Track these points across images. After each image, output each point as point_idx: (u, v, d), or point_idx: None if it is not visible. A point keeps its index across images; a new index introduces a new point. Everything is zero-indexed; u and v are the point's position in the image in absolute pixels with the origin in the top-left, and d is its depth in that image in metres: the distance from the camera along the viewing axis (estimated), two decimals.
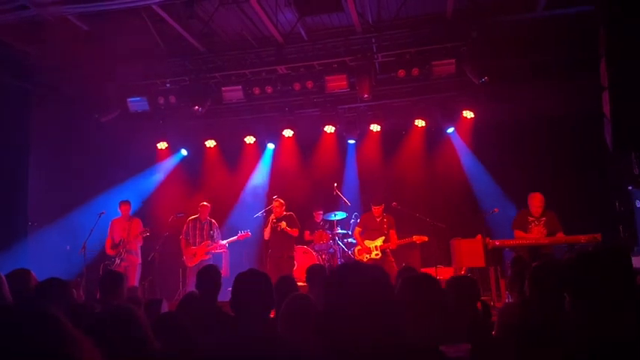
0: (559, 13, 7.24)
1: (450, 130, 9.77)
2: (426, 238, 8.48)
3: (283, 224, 8.67)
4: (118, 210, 8.86)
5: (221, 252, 9.23)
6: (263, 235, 9.14)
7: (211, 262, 8.50)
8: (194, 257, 8.73)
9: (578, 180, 8.57)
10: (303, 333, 2.53)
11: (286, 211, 8.92)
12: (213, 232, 8.86)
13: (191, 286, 8.44)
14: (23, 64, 7.79)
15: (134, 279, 8.51)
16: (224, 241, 8.99)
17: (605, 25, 6.21)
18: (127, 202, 8.88)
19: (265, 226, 9.00)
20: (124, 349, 1.73)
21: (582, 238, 6.92)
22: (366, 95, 8.11)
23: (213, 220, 9.01)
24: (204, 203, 9.01)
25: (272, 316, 2.83)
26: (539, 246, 7.19)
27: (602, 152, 6.59)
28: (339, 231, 9.38)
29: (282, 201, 8.90)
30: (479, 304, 3.37)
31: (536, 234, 7.37)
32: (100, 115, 8.58)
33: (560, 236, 7.18)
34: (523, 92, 8.57)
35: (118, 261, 8.48)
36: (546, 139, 8.98)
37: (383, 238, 8.54)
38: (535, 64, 8.58)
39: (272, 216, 8.90)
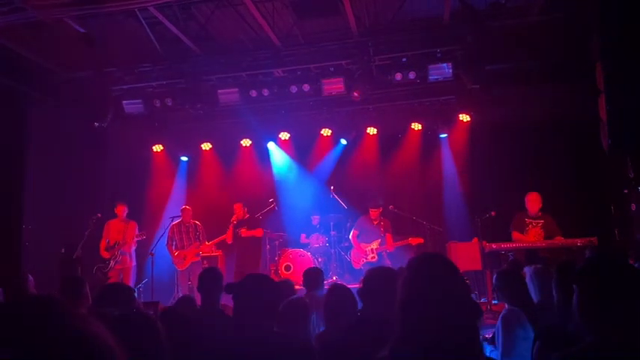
0: (553, 18, 7.27)
1: (443, 135, 9.80)
2: (421, 240, 8.52)
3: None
4: (114, 211, 8.77)
5: (216, 255, 9.19)
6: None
7: (205, 265, 8.50)
8: (184, 260, 8.67)
9: (574, 183, 8.61)
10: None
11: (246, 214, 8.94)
12: (199, 234, 8.82)
13: (184, 290, 8.40)
14: (19, 66, 7.73)
15: (129, 282, 8.43)
16: (209, 242, 8.95)
17: (598, 29, 6.25)
18: (123, 204, 8.79)
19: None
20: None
21: (578, 242, 6.97)
22: (356, 94, 8.07)
23: (197, 222, 8.96)
24: (186, 207, 8.98)
25: None
26: (537, 249, 7.22)
27: (598, 155, 6.61)
28: (335, 233, 9.37)
29: (242, 204, 8.97)
30: None
31: (533, 236, 7.39)
32: (100, 122, 8.51)
33: (558, 239, 7.21)
34: (519, 96, 8.60)
35: (112, 264, 8.41)
36: (542, 142, 9.01)
37: (379, 240, 8.54)
38: (530, 68, 8.60)
39: (233, 217, 8.91)
